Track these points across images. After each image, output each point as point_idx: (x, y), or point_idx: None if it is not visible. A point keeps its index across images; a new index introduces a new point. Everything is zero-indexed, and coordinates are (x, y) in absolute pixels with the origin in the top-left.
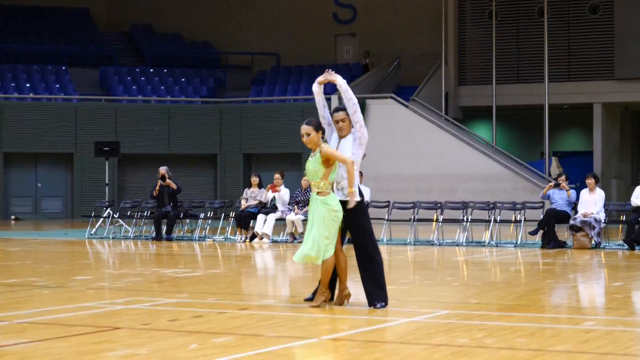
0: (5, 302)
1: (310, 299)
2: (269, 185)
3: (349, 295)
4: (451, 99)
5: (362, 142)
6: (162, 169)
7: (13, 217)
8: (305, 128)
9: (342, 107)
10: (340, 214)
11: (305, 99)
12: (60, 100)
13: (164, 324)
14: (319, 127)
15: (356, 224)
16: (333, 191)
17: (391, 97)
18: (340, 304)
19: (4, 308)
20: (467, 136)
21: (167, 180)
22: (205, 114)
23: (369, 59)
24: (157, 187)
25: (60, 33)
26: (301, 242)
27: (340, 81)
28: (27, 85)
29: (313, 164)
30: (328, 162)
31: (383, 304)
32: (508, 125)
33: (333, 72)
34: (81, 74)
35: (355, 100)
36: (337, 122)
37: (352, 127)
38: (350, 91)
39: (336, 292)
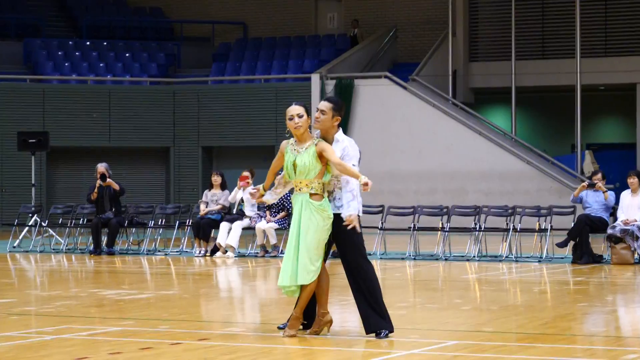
0: None
1: (285, 327)
2: (239, 178)
3: (330, 321)
4: (460, 78)
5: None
6: (101, 167)
7: None
8: (296, 109)
9: (329, 98)
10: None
11: (279, 79)
12: None
13: (104, 357)
14: (310, 112)
15: (347, 237)
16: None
17: (386, 77)
18: (318, 332)
19: None
20: (480, 125)
21: (108, 179)
22: (155, 97)
23: (358, 30)
24: (96, 189)
25: None
26: (274, 256)
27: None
28: None
29: (305, 159)
30: (323, 158)
31: (386, 332)
32: (531, 111)
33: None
34: (1, 48)
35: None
36: (316, 109)
37: (334, 129)
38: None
39: (328, 318)
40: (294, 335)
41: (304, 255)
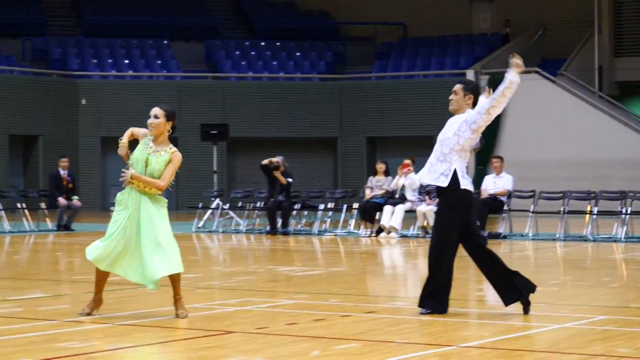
0: (107, 302)
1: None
2: (399, 167)
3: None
4: (605, 72)
5: (473, 128)
6: (279, 159)
7: (112, 208)
8: (154, 110)
9: (462, 80)
10: None
11: (436, 75)
12: (162, 78)
13: (281, 327)
14: (171, 117)
15: (436, 218)
16: None
17: (535, 72)
18: (90, 313)
19: (105, 309)
20: (625, 115)
21: (276, 173)
22: (324, 92)
23: (510, 28)
24: (268, 161)
25: (162, 3)
26: None
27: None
28: (126, 61)
29: (159, 163)
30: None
31: (424, 311)
32: None
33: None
34: (185, 49)
35: (500, 100)
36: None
37: (468, 107)
38: (508, 90)
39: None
40: (187, 314)
41: (166, 245)
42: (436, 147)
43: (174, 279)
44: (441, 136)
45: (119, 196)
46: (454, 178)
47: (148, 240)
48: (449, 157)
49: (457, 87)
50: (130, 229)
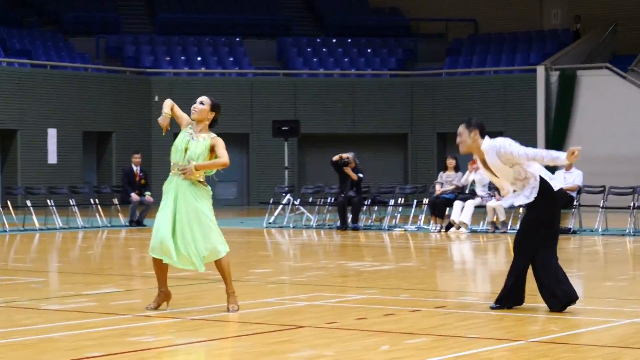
0: (178, 297)
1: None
2: (470, 162)
3: (169, 296)
4: None
5: (528, 158)
6: (350, 155)
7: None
8: (204, 97)
9: (463, 120)
10: None
11: (507, 71)
12: (234, 75)
13: (351, 322)
14: (215, 109)
15: (523, 224)
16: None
17: (606, 68)
18: (157, 307)
19: (176, 303)
20: None
21: (346, 169)
22: (394, 88)
23: (580, 24)
24: (339, 157)
25: (234, 1)
26: (503, 232)
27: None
28: (198, 58)
29: (198, 148)
30: (213, 152)
31: (496, 306)
32: None
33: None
34: (257, 46)
35: (539, 160)
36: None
37: (478, 141)
38: (542, 158)
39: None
40: (238, 308)
41: (213, 230)
42: (507, 184)
43: (225, 274)
44: (503, 176)
45: (164, 186)
46: (544, 185)
47: (197, 222)
48: (529, 176)
49: (459, 129)
50: (174, 212)
